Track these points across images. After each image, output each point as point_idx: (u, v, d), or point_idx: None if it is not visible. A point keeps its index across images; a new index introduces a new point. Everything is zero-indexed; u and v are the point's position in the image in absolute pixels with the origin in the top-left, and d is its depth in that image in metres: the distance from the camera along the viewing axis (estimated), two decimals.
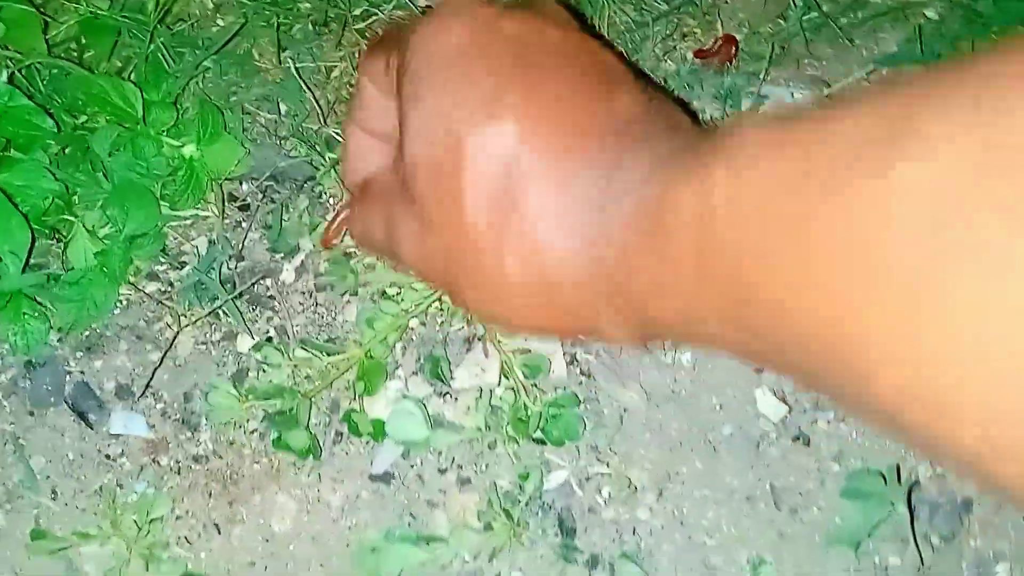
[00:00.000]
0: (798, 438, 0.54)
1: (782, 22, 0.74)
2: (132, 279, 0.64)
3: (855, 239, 0.20)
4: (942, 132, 0.19)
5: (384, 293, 0.62)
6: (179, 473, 0.55)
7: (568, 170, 0.29)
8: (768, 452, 0.54)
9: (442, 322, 0.60)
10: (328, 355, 0.58)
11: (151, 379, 0.58)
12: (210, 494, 0.54)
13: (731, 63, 0.72)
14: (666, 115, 0.32)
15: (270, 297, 0.63)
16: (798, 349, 0.23)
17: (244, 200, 0.68)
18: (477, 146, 0.30)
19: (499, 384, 0.57)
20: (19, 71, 0.65)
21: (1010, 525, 0.51)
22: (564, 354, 0.58)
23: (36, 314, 0.59)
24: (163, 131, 0.66)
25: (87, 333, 0.61)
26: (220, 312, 0.62)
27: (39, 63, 0.67)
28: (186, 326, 0.61)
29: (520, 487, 0.53)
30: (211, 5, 0.80)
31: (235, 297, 0.62)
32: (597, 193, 0.29)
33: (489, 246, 0.31)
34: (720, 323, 0.25)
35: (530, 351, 0.58)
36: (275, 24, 0.77)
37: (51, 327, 0.61)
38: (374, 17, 0.77)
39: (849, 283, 0.20)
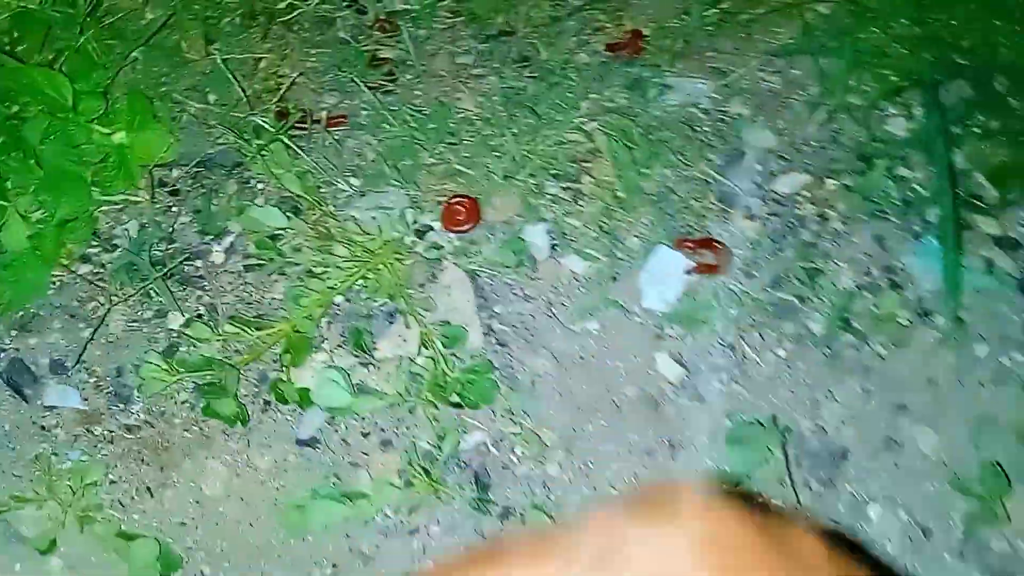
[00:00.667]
0: (694, 397, 0.59)
1: (686, 17, 0.79)
2: (65, 261, 0.66)
3: None
4: None
5: (310, 272, 0.65)
6: (112, 442, 0.58)
7: None
8: (666, 410, 0.58)
9: (366, 298, 0.63)
10: (256, 330, 0.61)
11: (83, 353, 0.60)
12: (142, 460, 0.57)
13: (639, 55, 0.77)
14: None
15: (200, 277, 0.66)
16: None
17: (174, 185, 0.70)
18: None
19: (419, 353, 0.60)
20: None
21: (882, 471, 0.56)
22: (481, 324, 0.62)
23: None
24: (93, 119, 0.68)
25: (21, 313, 0.63)
26: (151, 291, 0.64)
27: None
28: (117, 304, 0.63)
29: (438, 447, 0.57)
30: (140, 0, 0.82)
31: (165, 277, 0.65)
32: None
33: None
34: None
35: (449, 323, 0.61)
36: (203, 17, 0.80)
37: None
38: (299, 10, 0.81)
39: None
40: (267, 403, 0.59)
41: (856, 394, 0.58)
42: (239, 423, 0.58)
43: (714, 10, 0.79)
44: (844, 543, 0.23)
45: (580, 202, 0.67)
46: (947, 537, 0.54)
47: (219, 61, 0.75)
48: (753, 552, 0.21)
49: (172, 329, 0.63)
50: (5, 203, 0.66)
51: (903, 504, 0.55)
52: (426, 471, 0.56)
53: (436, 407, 0.58)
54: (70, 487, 0.55)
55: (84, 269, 0.65)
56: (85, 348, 0.60)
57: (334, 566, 0.54)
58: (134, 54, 0.76)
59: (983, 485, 0.53)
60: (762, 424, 0.55)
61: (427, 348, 0.61)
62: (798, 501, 0.54)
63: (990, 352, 0.59)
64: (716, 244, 0.64)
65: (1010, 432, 0.56)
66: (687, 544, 0.21)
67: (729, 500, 0.22)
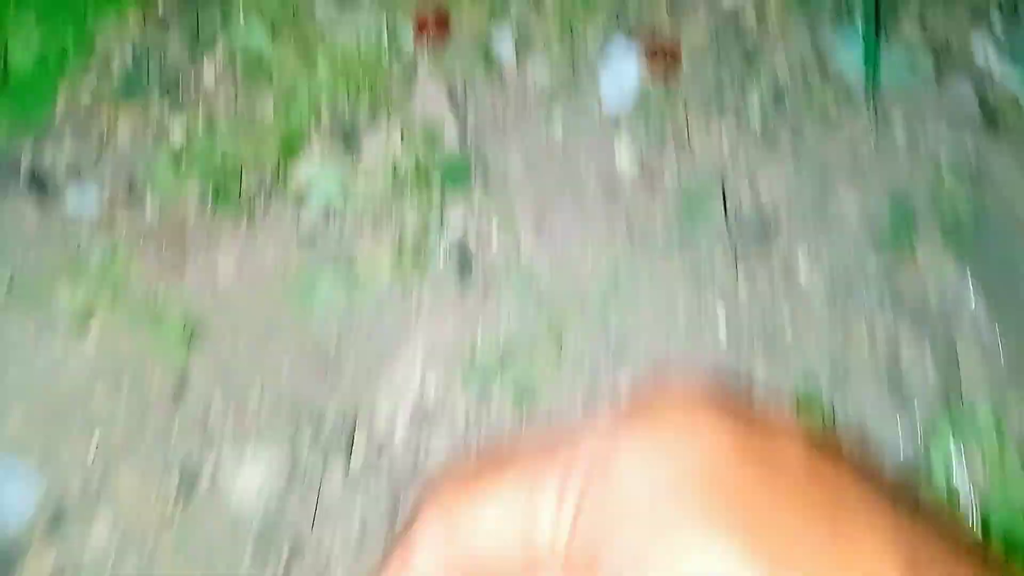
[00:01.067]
0: (648, 186, 0.66)
1: None
2: (69, 81, 0.71)
3: None
4: None
5: (295, 87, 0.71)
6: (129, 242, 0.64)
7: None
8: (624, 197, 0.66)
9: (350, 106, 0.70)
10: (251, 137, 0.68)
11: (97, 161, 0.66)
12: (160, 254, 0.64)
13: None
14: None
15: (194, 94, 0.71)
16: None
17: (162, 11, 0.75)
18: None
19: (401, 152, 0.67)
20: None
21: (808, 234, 0.65)
22: (456, 125, 0.68)
23: None
24: None
25: (35, 130, 0.69)
26: (152, 108, 0.70)
27: None
28: (122, 119, 0.69)
29: (424, 231, 0.64)
30: None
31: (162, 94, 0.70)
32: None
33: None
34: None
35: (426, 125, 0.68)
36: None
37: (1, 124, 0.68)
38: None
39: None
40: (268, 199, 0.66)
41: (789, 172, 0.66)
42: (245, 219, 0.65)
43: None
44: (830, 448, 0.22)
45: (541, 11, 0.73)
46: (867, 289, 0.63)
47: None
48: (734, 471, 0.20)
49: (175, 140, 0.68)
50: (8, 32, 0.71)
51: (829, 262, 0.64)
52: (414, 251, 0.64)
53: (419, 195, 0.66)
54: (97, 275, 0.62)
55: (86, 88, 0.71)
56: (99, 157, 0.66)
57: (337, 332, 0.62)
58: None
59: (895, 238, 0.62)
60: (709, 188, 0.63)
61: (408, 146, 0.67)
62: (736, 258, 0.63)
63: (907, 139, 0.67)
64: (668, 48, 0.70)
65: (920, 200, 0.64)
66: (671, 464, 0.20)
67: (715, 410, 0.22)
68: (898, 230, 0.62)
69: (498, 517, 0.22)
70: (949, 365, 0.61)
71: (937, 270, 0.62)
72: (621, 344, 0.61)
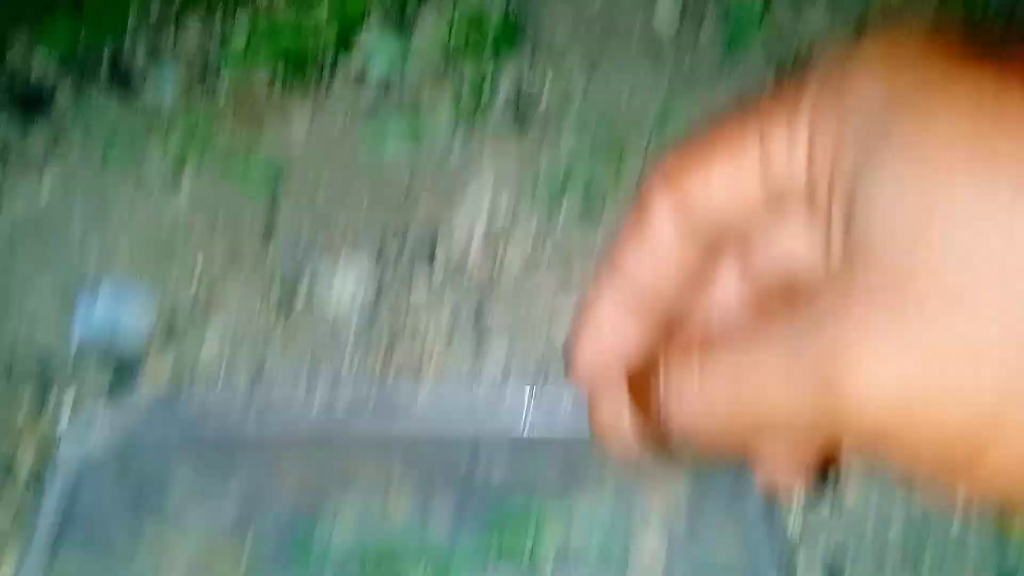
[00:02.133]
0: (691, 28, 0.71)
1: None
2: None
3: None
4: None
5: None
6: (209, 115, 0.69)
7: None
8: (667, 49, 0.71)
9: None
10: (312, 19, 0.73)
11: (173, 53, 0.72)
12: (237, 124, 0.69)
13: None
14: None
15: None
16: None
17: None
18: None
19: (455, 23, 0.72)
20: None
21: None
22: (500, 6, 0.73)
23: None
24: None
25: (113, 30, 0.74)
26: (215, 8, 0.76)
27: None
28: (192, 14, 0.74)
29: (480, 86, 0.69)
30: None
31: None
32: None
33: None
34: None
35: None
36: None
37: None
38: None
39: None
40: (332, 74, 0.71)
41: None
42: (312, 90, 0.70)
43: None
44: None
45: None
46: None
47: None
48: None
49: (241, 29, 0.74)
50: None
51: None
52: (474, 104, 0.69)
53: (474, 61, 0.70)
54: (182, 141, 0.68)
55: None
56: (175, 50, 0.71)
57: (410, 169, 0.66)
58: None
59: None
60: None
61: (460, 19, 0.73)
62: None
63: None
64: None
65: None
66: (908, 68, 0.19)
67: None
68: None
69: (729, 169, 0.22)
70: None
71: None
72: None
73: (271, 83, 0.71)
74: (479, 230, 0.62)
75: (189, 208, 0.64)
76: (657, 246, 0.24)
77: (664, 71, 0.69)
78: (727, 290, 0.26)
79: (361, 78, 0.71)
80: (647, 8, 0.72)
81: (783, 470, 0.25)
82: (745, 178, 0.22)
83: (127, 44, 0.73)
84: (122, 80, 0.72)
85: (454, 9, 0.72)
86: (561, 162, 0.65)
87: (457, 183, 0.65)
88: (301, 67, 0.71)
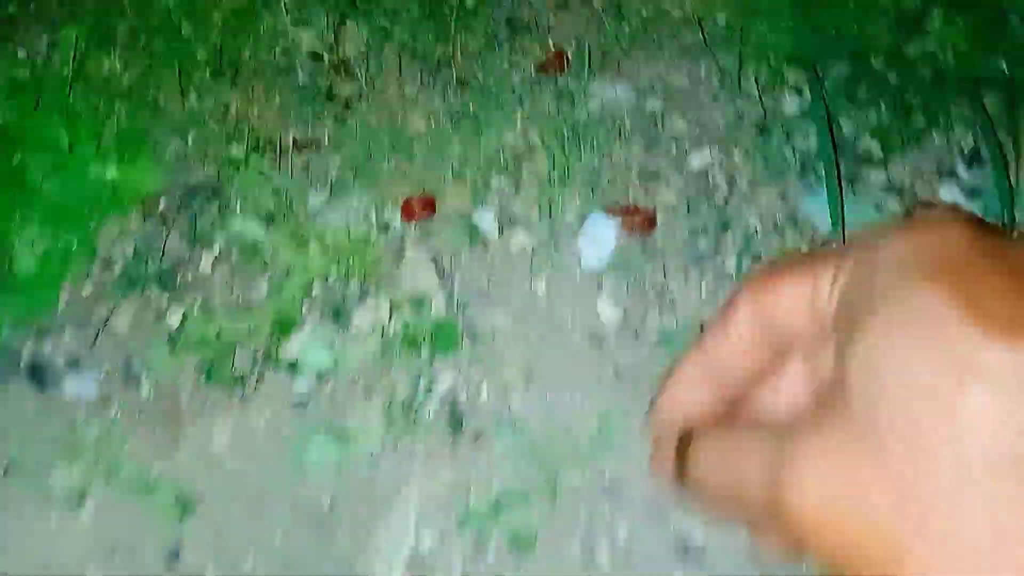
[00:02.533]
0: (631, 332, 0.68)
1: (602, 36, 0.91)
2: (70, 280, 0.75)
3: None
4: None
5: (289, 269, 0.74)
6: (126, 419, 0.66)
7: None
8: (609, 345, 0.68)
9: (341, 283, 0.73)
10: (246, 317, 0.70)
11: (93, 344, 0.69)
12: (155, 429, 0.65)
13: (564, 72, 0.88)
14: None
15: (192, 284, 0.75)
16: None
17: (164, 212, 0.80)
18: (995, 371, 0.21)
19: (390, 320, 0.70)
20: None
21: None
22: (443, 294, 0.71)
23: None
24: (89, 159, 0.78)
25: (36, 326, 0.72)
26: (150, 297, 0.73)
27: None
28: (120, 308, 0.72)
29: (414, 392, 0.65)
30: (119, 64, 0.93)
31: (160, 287, 0.74)
32: None
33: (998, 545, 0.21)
34: None
35: (414, 295, 0.71)
36: (177, 72, 0.91)
37: (3, 324, 0.71)
38: (258, 60, 0.92)
39: None
40: (261, 373, 0.68)
41: None
42: (238, 391, 0.66)
43: (626, 25, 0.91)
44: None
45: (521, 190, 0.77)
46: None
47: (189, 108, 0.86)
48: (969, 258, 0.24)
49: (172, 324, 0.71)
50: (13, 236, 0.75)
51: None
52: (405, 412, 0.65)
53: (409, 359, 0.67)
54: (92, 455, 0.63)
55: (88, 285, 0.74)
56: (95, 341, 0.69)
57: (331, 495, 0.62)
58: (117, 107, 0.87)
59: None
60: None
61: (397, 316, 0.70)
62: None
63: None
64: (640, 209, 0.74)
65: None
66: (917, 252, 0.24)
67: (967, 222, 0.25)
68: None
69: (793, 293, 0.29)
70: None
71: None
72: (615, 487, 0.61)
73: (196, 381, 0.67)
74: (399, 568, 0.56)
75: (90, 535, 0.59)
76: (736, 338, 0.30)
77: (605, 375, 0.66)
78: (792, 386, 0.32)
79: (291, 376, 0.67)
80: (588, 303, 0.70)
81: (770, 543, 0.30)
82: (801, 305, 0.28)
83: (50, 339, 0.70)
84: (39, 376, 0.68)
85: (392, 304, 0.70)
86: (493, 482, 0.61)
87: (380, 506, 0.60)
88: (228, 363, 0.67)
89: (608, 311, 0.69)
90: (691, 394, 0.33)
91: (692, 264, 0.71)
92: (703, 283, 0.70)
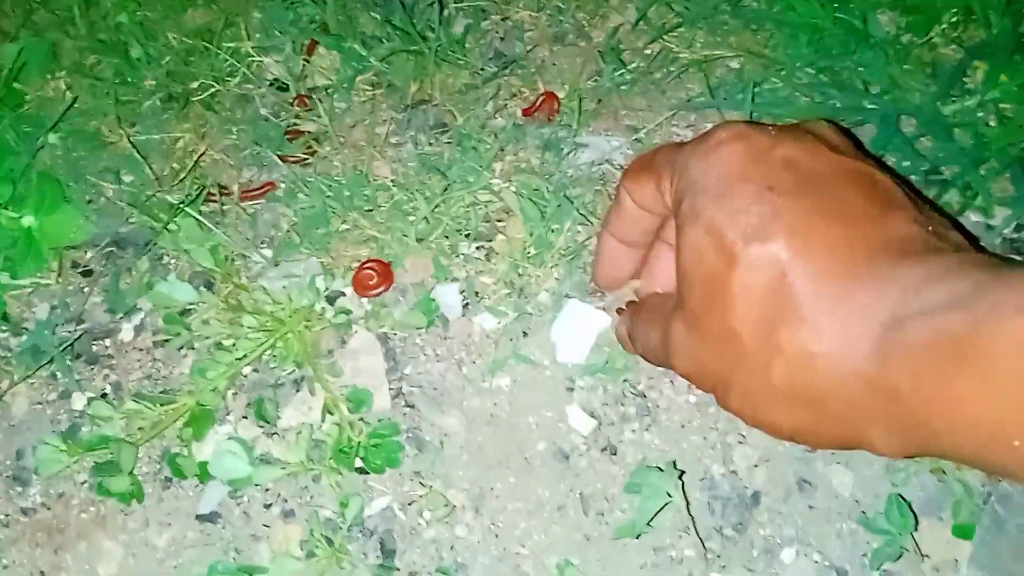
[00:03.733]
0: (605, 449, 0.57)
1: (599, 79, 0.79)
2: None
3: None
4: None
5: (219, 345, 0.63)
6: (7, 526, 0.55)
7: (840, 290, 0.31)
8: (578, 464, 0.56)
9: (274, 367, 0.62)
10: (160, 405, 0.59)
11: None
12: (37, 544, 0.55)
13: (553, 118, 0.77)
14: (942, 235, 0.33)
15: (108, 355, 0.64)
16: None
17: (86, 266, 0.69)
18: (748, 261, 0.32)
19: (323, 420, 0.59)
20: None
21: (796, 514, 0.54)
22: (389, 387, 0.60)
23: None
24: (2, 204, 0.67)
25: None
26: (56, 373, 0.63)
27: None
28: (18, 383, 0.61)
29: (342, 515, 0.54)
30: (63, 87, 0.83)
31: (72, 358, 0.63)
32: (879, 313, 0.30)
33: (756, 352, 0.33)
34: None
35: (356, 387, 0.60)
36: (121, 101, 0.80)
37: None
38: (217, 90, 0.81)
39: None
40: (167, 479, 0.57)
41: (766, 437, 0.56)
42: (135, 501, 0.56)
43: (626, 70, 0.79)
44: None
45: (492, 260, 0.66)
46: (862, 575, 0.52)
47: (132, 142, 0.75)
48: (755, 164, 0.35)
49: (75, 409, 0.61)
50: None
51: (816, 546, 0.53)
52: (328, 540, 0.54)
53: (340, 474, 0.56)
54: None
55: None
56: None
57: None
58: (51, 139, 0.76)
59: (890, 521, 0.51)
60: (661, 469, 0.53)
61: (332, 414, 0.59)
62: (704, 548, 0.52)
63: None
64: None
65: (921, 466, 0.54)
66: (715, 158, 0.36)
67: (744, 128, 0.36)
68: (891, 510, 0.52)
69: (646, 186, 0.40)
70: None
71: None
72: None
73: (91, 485, 0.56)
74: None
75: None
76: (627, 215, 0.43)
77: (570, 504, 0.55)
78: (666, 269, 0.45)
79: (199, 489, 0.56)
80: (557, 407, 0.58)
81: None
82: (653, 196, 0.40)
83: None
84: None
85: (325, 408, 0.59)
86: None
87: None
88: (128, 470, 0.56)
89: (580, 419, 0.58)
90: (615, 261, 0.47)
91: None
92: (692, 393, 0.58)
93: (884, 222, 0.33)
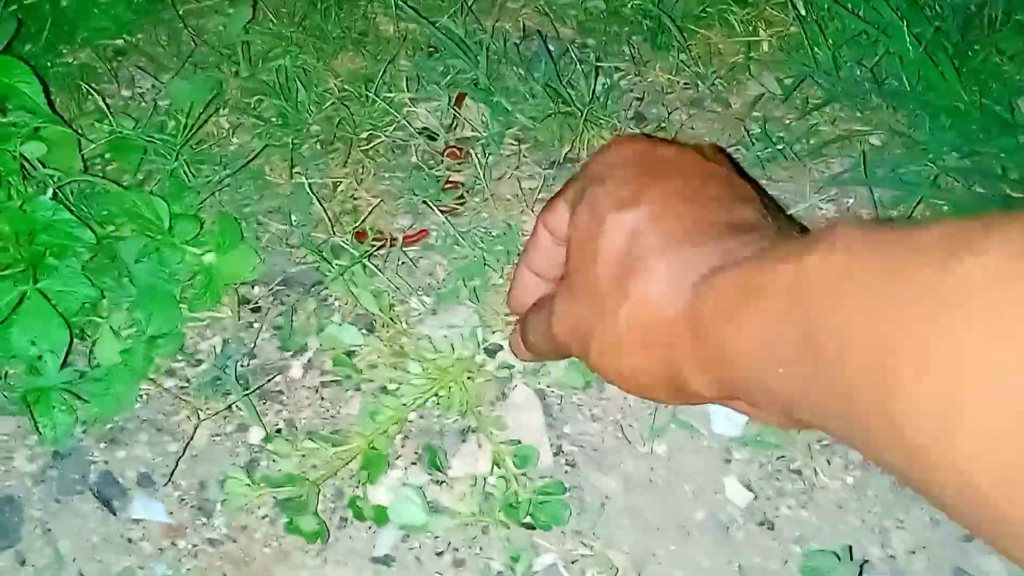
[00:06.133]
0: (763, 523, 0.57)
1: (742, 150, 0.80)
2: (153, 376, 0.67)
3: (917, 315, 0.26)
4: (993, 244, 0.25)
5: (385, 389, 0.65)
6: (196, 556, 0.57)
7: (681, 248, 0.38)
8: (736, 535, 0.57)
9: (439, 415, 0.63)
10: (333, 446, 0.61)
11: (174, 469, 0.60)
12: (224, 575, 0.56)
13: None
14: (778, 225, 0.40)
15: (279, 392, 0.66)
16: (844, 391, 0.29)
17: (256, 303, 0.72)
18: (614, 222, 0.40)
19: (491, 473, 0.60)
20: (58, 188, 0.69)
21: None
22: (550, 445, 0.61)
23: (64, 408, 0.62)
24: (187, 240, 0.69)
25: (110, 426, 0.64)
26: (234, 406, 0.65)
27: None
28: (204, 420, 0.63)
29: (511, 568, 0.56)
30: (227, 125, 0.85)
31: (248, 393, 0.65)
32: (703, 266, 0.37)
33: (610, 300, 0.40)
34: (787, 366, 0.32)
35: (520, 442, 0.61)
36: (286, 144, 0.82)
37: (77, 420, 0.63)
38: (378, 139, 0.83)
39: (905, 346, 0.26)
40: (344, 520, 0.59)
41: (924, 522, 0.57)
42: (318, 540, 0.57)
43: (768, 144, 0.80)
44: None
45: None
46: None
47: (304, 184, 0.77)
48: (633, 160, 0.43)
49: (253, 444, 0.63)
50: (100, 319, 0.67)
51: None
52: None
53: (508, 527, 0.57)
54: None
55: (170, 383, 0.66)
56: (177, 463, 0.60)
57: None
58: (223, 178, 0.78)
59: None
60: (837, 556, 0.53)
61: (499, 467, 0.60)
62: None
63: None
64: None
65: None
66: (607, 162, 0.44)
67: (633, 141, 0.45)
68: None
69: (554, 212, 0.46)
70: None
71: None
72: None
73: (273, 522, 0.58)
74: None
75: None
76: (542, 245, 0.48)
77: (730, 565, 0.55)
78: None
79: (374, 533, 0.58)
80: (714, 477, 0.59)
81: None
82: (559, 218, 0.46)
83: (123, 447, 0.62)
84: (108, 494, 0.60)
85: (493, 460, 0.60)
86: None
87: None
88: (310, 502, 0.58)
89: (737, 491, 0.59)
90: (527, 289, 0.52)
91: (838, 447, 0.60)
92: (849, 474, 0.59)
93: (731, 207, 0.40)
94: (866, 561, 0.54)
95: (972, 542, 0.56)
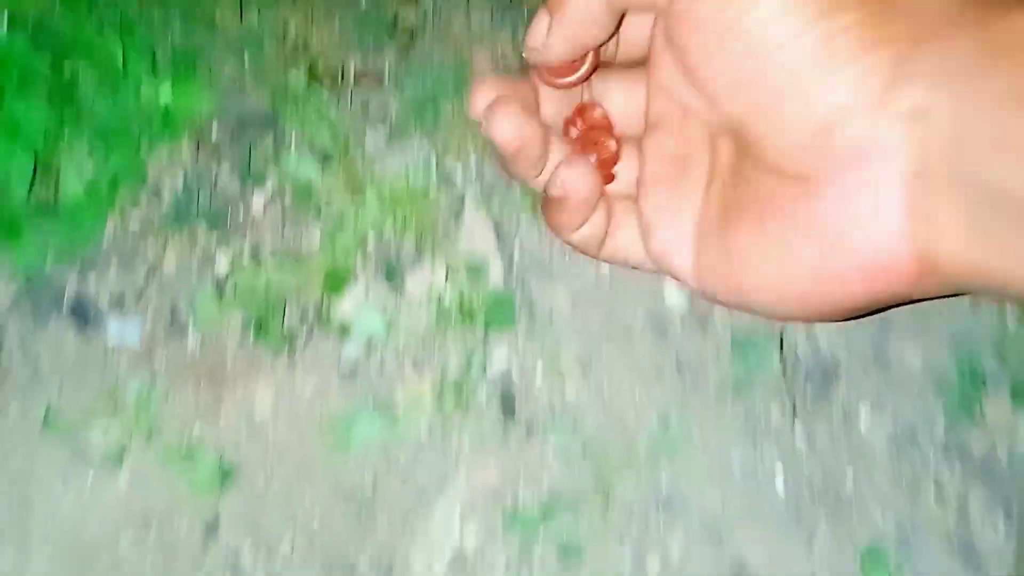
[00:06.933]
0: (698, 322, 0.61)
1: None
2: (118, 209, 0.68)
3: None
4: None
5: (343, 215, 0.68)
6: (169, 371, 0.60)
7: None
8: (673, 334, 0.61)
9: (396, 239, 0.66)
10: (297, 265, 0.64)
11: (144, 292, 0.63)
12: (199, 385, 0.60)
13: None
14: None
15: (242, 223, 0.68)
16: None
17: (215, 140, 0.73)
18: None
19: (445, 285, 0.63)
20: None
21: (870, 383, 0.59)
22: (501, 261, 0.64)
23: (35, 234, 0.64)
24: (141, 79, 0.70)
25: (81, 257, 0.66)
26: (199, 235, 0.67)
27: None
28: (171, 248, 0.66)
29: (467, 371, 0.59)
30: None
31: (211, 223, 0.67)
32: None
33: None
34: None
35: (472, 260, 0.64)
36: None
37: (49, 247, 0.65)
38: None
39: None
40: (309, 334, 0.62)
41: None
42: (285, 351, 0.61)
43: None
44: None
45: None
46: (933, 443, 0.57)
47: (254, 24, 0.77)
48: None
49: (219, 269, 0.65)
50: (62, 157, 0.69)
51: (890, 410, 0.58)
52: (456, 392, 0.59)
53: (463, 334, 0.61)
54: (133, 411, 0.58)
55: (135, 216, 0.68)
56: (147, 287, 0.63)
57: (374, 476, 0.57)
58: (173, 23, 0.78)
59: (961, 389, 0.56)
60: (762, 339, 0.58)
61: (452, 282, 0.63)
62: (794, 409, 0.57)
63: None
64: None
65: (985, 343, 0.59)
66: None
67: None
68: (964, 384, 0.57)
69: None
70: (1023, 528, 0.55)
71: (1008, 428, 0.56)
72: (671, 498, 0.56)
73: (243, 336, 0.61)
74: (440, 565, 0.52)
75: (128, 497, 0.55)
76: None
77: (668, 371, 0.60)
78: None
79: (340, 340, 0.61)
80: (654, 287, 0.63)
81: None
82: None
83: (94, 275, 0.64)
84: (82, 316, 0.63)
85: (448, 269, 0.63)
86: (544, 481, 0.55)
87: (424, 495, 0.55)
88: (277, 320, 0.61)
89: (675, 297, 0.62)
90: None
91: None
92: None
93: None
94: (793, 344, 0.59)
95: (891, 329, 0.60)
